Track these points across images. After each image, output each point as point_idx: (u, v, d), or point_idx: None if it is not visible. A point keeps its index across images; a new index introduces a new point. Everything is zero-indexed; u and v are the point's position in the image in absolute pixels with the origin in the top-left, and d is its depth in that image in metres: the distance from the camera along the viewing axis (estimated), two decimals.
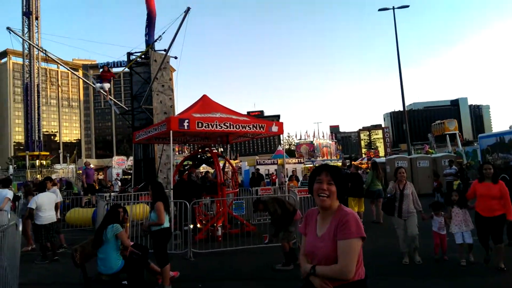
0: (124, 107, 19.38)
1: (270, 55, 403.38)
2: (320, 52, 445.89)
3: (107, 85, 15.39)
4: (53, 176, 35.05)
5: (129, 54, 17.24)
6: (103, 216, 8.64)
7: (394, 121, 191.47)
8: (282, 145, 54.17)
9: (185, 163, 12.12)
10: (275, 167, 29.14)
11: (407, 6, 25.44)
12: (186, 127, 8.39)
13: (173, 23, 14.39)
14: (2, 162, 48.52)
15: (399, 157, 22.26)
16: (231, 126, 8.91)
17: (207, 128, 8.63)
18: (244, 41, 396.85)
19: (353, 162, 20.28)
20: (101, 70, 16.73)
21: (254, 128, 9.38)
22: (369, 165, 24.29)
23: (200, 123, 8.53)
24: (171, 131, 8.40)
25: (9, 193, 8.32)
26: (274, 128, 9.74)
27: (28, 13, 48.91)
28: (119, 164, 35.03)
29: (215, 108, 9.91)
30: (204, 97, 10.45)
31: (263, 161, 30.65)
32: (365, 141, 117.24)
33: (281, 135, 10.91)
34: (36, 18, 49.53)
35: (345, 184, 2.21)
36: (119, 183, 21.80)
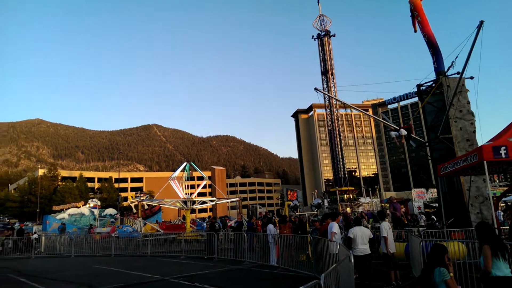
0: (420, 139, 19.02)
1: None
2: None
3: (403, 131, 16.21)
4: (359, 209, 38.65)
5: (419, 86, 17.18)
6: (417, 252, 8.65)
7: None
8: None
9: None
10: None
11: None
12: (503, 155, 7.23)
13: (466, 42, 13.17)
14: (318, 195, 59.27)
15: None
16: None
17: None
18: None
19: None
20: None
21: None
22: None
23: None
24: (484, 162, 7.47)
25: (334, 227, 9.91)
26: None
27: (325, 72, 59.13)
28: (420, 196, 34.21)
29: None
30: None
31: None
32: None
33: None
34: (332, 74, 58.98)
35: None
36: (424, 217, 21.09)
